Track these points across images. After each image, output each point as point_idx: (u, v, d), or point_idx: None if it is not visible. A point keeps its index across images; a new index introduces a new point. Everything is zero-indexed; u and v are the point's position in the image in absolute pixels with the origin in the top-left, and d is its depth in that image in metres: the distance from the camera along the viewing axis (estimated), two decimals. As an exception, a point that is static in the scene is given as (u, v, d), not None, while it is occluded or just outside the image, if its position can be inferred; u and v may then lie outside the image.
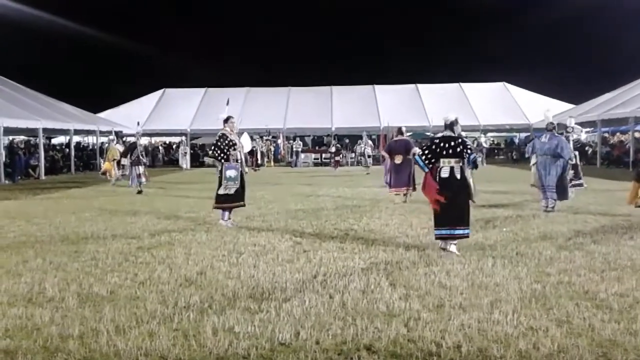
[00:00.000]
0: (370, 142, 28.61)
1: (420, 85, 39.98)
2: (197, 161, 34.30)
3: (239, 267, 6.18)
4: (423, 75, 41.08)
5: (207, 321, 4.33)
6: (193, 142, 37.82)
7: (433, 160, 6.85)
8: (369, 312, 4.56)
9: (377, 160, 35.14)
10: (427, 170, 6.91)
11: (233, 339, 3.95)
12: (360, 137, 31.35)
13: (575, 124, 12.80)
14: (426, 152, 6.93)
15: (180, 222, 9.76)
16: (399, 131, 13.47)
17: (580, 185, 11.62)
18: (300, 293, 5.13)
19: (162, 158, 37.87)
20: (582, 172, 11.91)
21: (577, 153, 11.48)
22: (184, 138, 35.53)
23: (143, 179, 16.33)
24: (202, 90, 40.53)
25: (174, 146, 39.74)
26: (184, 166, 32.72)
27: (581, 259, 6.41)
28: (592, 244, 7.34)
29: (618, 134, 34.93)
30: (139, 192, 15.80)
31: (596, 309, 4.58)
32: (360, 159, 26.13)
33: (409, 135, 39.07)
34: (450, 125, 7.01)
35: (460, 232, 6.78)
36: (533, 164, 11.02)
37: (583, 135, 17.30)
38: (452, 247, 6.78)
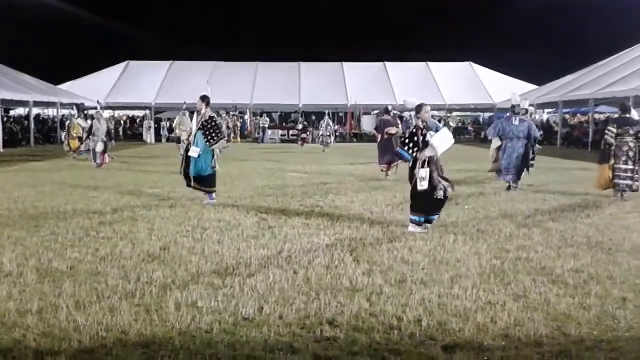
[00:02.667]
0: (329, 121, 28.50)
1: (388, 64, 39.99)
2: (161, 136, 33.68)
3: (203, 243, 6.15)
4: (391, 54, 40.96)
5: (170, 297, 4.31)
6: (157, 116, 37.11)
7: (416, 150, 6.82)
8: (332, 288, 4.61)
9: (344, 138, 35.31)
10: (410, 159, 6.88)
11: (196, 314, 3.95)
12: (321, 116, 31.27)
13: (530, 105, 13.02)
14: (408, 142, 6.90)
15: (143, 198, 9.63)
16: (386, 110, 13.63)
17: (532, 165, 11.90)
18: (264, 269, 5.15)
19: (125, 132, 37.05)
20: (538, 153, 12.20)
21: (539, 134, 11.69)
22: (148, 112, 34.85)
23: (104, 155, 15.87)
24: (168, 63, 39.69)
25: (138, 120, 38.92)
26: (148, 141, 32.14)
27: (539, 236, 6.60)
28: (550, 221, 7.56)
29: (579, 115, 35.77)
30: (99, 166, 15.48)
31: (552, 285, 4.73)
32: (321, 137, 25.93)
33: (376, 113, 39.22)
34: (417, 112, 7.06)
35: (434, 217, 6.96)
36: (497, 147, 11.02)
37: (537, 117, 17.66)
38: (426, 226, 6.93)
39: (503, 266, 5.29)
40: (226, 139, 9.25)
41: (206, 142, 8.79)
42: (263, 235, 6.63)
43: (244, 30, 63.28)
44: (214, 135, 8.82)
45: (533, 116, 12.40)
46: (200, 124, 8.89)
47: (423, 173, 6.72)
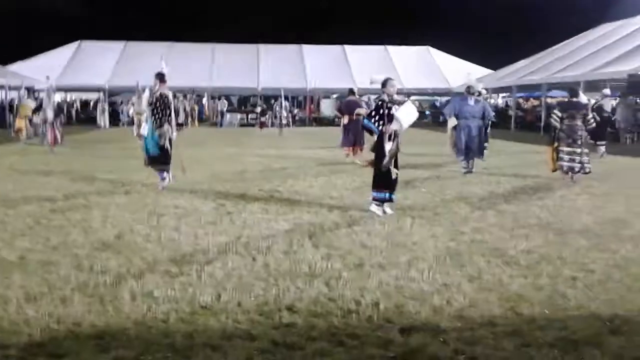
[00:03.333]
0: (286, 103, 28.32)
1: (347, 47, 39.93)
2: (116, 119, 32.79)
3: (159, 230, 6.04)
4: (350, 37, 40.90)
5: (124, 286, 4.22)
6: (112, 98, 36.08)
7: (382, 123, 6.85)
8: (291, 273, 4.61)
9: (303, 122, 35.23)
10: (377, 132, 6.91)
11: (152, 304, 3.88)
12: (285, 98, 31.06)
13: (483, 88, 13.30)
14: (375, 115, 6.94)
15: (97, 184, 9.38)
16: (350, 91, 13.55)
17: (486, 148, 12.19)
18: (222, 255, 5.10)
19: (78, 115, 35.89)
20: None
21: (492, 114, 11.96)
22: (101, 94, 33.81)
23: (55, 137, 15.39)
24: (122, 43, 38.54)
25: (91, 103, 37.72)
26: (102, 124, 31.25)
27: (493, 218, 6.76)
28: (504, 203, 7.75)
29: (532, 99, 36.65)
30: (51, 151, 15.02)
31: (505, 265, 4.85)
32: (274, 120, 25.78)
33: (336, 97, 39.22)
34: (382, 85, 7.07)
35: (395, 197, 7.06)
36: (453, 127, 11.21)
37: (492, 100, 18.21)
38: (388, 209, 6.96)
39: (458, 248, 5.40)
40: (176, 122, 8.98)
41: (153, 121, 8.62)
42: (221, 221, 6.56)
43: (200, 11, 61.91)
44: (161, 115, 8.63)
45: (487, 99, 12.77)
46: (150, 101, 8.71)
47: (389, 147, 6.83)
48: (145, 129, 8.65)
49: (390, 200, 6.99)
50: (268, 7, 59.45)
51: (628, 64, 20.22)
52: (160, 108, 8.61)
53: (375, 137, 6.98)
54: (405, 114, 6.90)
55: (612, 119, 19.38)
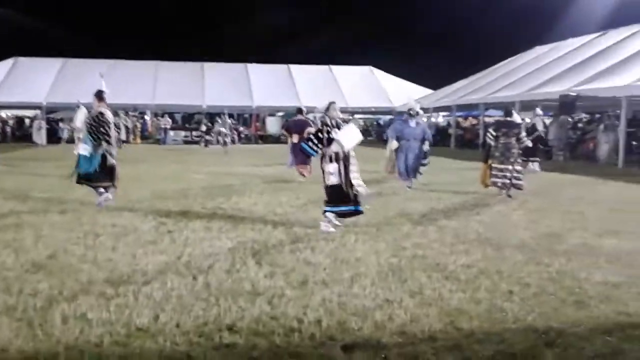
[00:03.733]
0: (229, 121, 28.14)
1: (292, 66, 40.18)
2: (54, 137, 31.64)
3: (96, 250, 5.81)
4: (294, 56, 41.22)
5: (56, 309, 4.02)
6: (50, 116, 34.79)
7: (320, 146, 6.93)
8: (233, 292, 4.52)
9: (248, 140, 35.06)
10: (314, 154, 7.00)
11: (85, 327, 3.71)
12: (230, 116, 30.81)
13: (421, 108, 13.75)
14: (313, 138, 7.02)
15: (31, 202, 8.96)
16: (299, 111, 13.58)
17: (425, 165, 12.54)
18: (162, 275, 4.95)
19: (13, 133, 34.38)
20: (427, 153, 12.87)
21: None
22: (39, 112, 32.54)
23: None
24: (60, 60, 37.33)
25: (27, 120, 36.23)
26: (39, 142, 30.05)
27: (434, 234, 6.88)
28: (444, 219, 7.92)
29: (470, 118, 37.88)
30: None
31: (445, 280, 4.93)
32: (219, 138, 25.48)
33: (281, 115, 39.29)
34: (326, 110, 7.15)
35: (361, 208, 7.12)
36: (394, 149, 11.40)
37: (424, 119, 18.84)
38: (337, 221, 7.03)
39: (400, 263, 5.46)
40: (116, 141, 8.75)
41: (92, 139, 8.39)
42: (161, 239, 6.39)
43: (143, 28, 60.94)
44: (98, 132, 8.42)
45: (427, 119, 13.28)
46: (89, 120, 8.47)
47: (331, 168, 6.88)
48: (82, 148, 8.38)
49: (357, 212, 7.03)
50: (213, 26, 59.20)
51: (560, 85, 21.26)
52: (97, 127, 8.38)
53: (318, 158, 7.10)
54: (347, 135, 7.00)
55: (545, 137, 20.28)
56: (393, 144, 11.32)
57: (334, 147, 6.86)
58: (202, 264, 5.35)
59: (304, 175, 12.74)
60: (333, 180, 6.86)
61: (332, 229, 6.88)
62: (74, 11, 58.73)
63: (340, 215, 7.04)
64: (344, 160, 6.95)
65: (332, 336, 3.68)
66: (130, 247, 6.00)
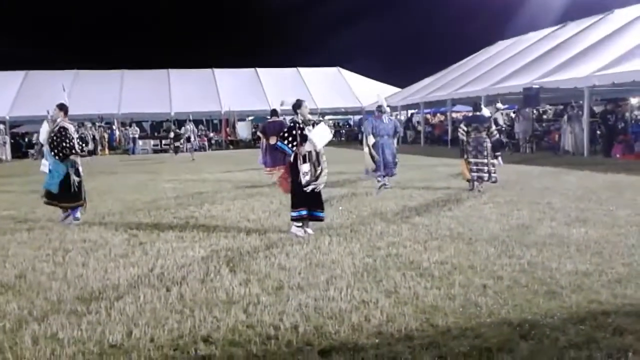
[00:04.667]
0: (194, 128, 27.93)
1: (259, 70, 40.05)
2: (19, 152, 30.95)
3: (66, 267, 5.69)
4: (261, 59, 41.24)
5: (25, 330, 3.92)
6: (13, 130, 33.97)
7: (295, 144, 6.86)
8: (207, 302, 4.48)
9: (219, 145, 34.80)
10: (291, 153, 6.88)
11: (56, 347, 3.62)
12: (199, 122, 30.58)
13: (388, 106, 13.94)
14: (287, 136, 6.90)
15: (-4, 221, 8.73)
16: (274, 112, 13.58)
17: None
18: (134, 289, 4.87)
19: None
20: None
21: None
22: (2, 126, 31.72)
23: None
24: (22, 73, 36.47)
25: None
26: (4, 157, 29.33)
27: (407, 232, 6.93)
28: (417, 216, 7.98)
29: (438, 114, 38.33)
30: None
31: (420, 278, 4.97)
32: (184, 145, 25.22)
33: (251, 119, 39.07)
34: (295, 108, 7.10)
35: (320, 214, 7.06)
36: (372, 145, 11.42)
37: (393, 117, 19.15)
38: (309, 229, 6.98)
39: (375, 263, 5.48)
40: (80, 152, 8.51)
41: (53, 155, 8.18)
42: (133, 252, 6.29)
43: (105, 37, 60.04)
44: (60, 148, 8.18)
45: (395, 115, 13.50)
46: (50, 134, 8.26)
47: (305, 168, 6.85)
48: (42, 165, 8.19)
49: (312, 217, 6.98)
50: (178, 33, 58.62)
51: (523, 78, 21.62)
52: (59, 142, 8.17)
53: (291, 158, 6.99)
54: (319, 134, 7.00)
55: (506, 130, 20.68)
56: (370, 139, 11.34)
57: (307, 146, 6.86)
58: (175, 275, 5.28)
59: (274, 178, 12.75)
60: (307, 178, 6.83)
61: (300, 233, 6.86)
62: (34, 23, 57.54)
63: (297, 219, 6.96)
64: (316, 159, 6.94)
65: (309, 341, 3.66)
66: (101, 261, 5.89)
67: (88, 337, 3.79)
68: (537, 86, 19.85)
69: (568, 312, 4.07)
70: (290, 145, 6.87)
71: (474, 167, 10.43)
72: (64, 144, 8.19)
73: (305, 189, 6.84)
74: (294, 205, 6.97)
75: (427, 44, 51.81)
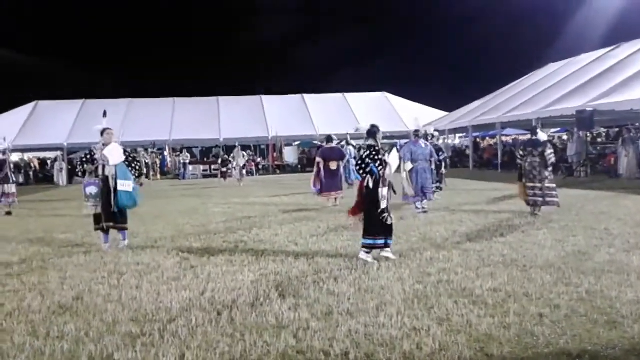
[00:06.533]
0: (243, 153, 28.41)
1: (306, 96, 40.57)
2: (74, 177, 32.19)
3: (120, 289, 5.83)
4: (308, 86, 41.92)
5: (83, 351, 4.03)
6: (71, 157, 35.45)
7: (381, 167, 6.86)
8: (257, 326, 4.49)
9: (266, 170, 35.24)
10: (379, 177, 6.84)
11: (112, 368, 3.71)
12: (247, 147, 31.09)
13: (435, 130, 13.97)
14: (376, 159, 6.88)
15: (54, 244, 9.06)
16: (329, 139, 14.01)
17: (439, 188, 12.72)
18: (186, 312, 4.94)
19: (36, 175, 35.03)
20: (443, 175, 13.10)
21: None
22: (60, 153, 33.22)
23: (13, 199, 14.97)
24: (79, 102, 38.18)
25: (49, 162, 36.97)
26: (60, 183, 30.61)
27: (458, 258, 6.79)
28: (468, 242, 7.82)
29: (487, 138, 37.73)
30: (8, 213, 14.49)
31: (473, 305, 4.84)
32: (233, 171, 25.60)
33: (297, 144, 39.51)
34: (372, 134, 7.11)
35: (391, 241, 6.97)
36: (409, 170, 11.36)
37: (441, 141, 19.08)
38: (390, 254, 6.88)
39: (425, 290, 5.38)
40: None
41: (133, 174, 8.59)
42: (184, 275, 6.39)
43: (158, 67, 62.32)
44: (138, 167, 8.87)
45: (442, 140, 13.48)
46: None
47: (384, 192, 6.83)
48: (126, 185, 8.46)
49: (387, 245, 6.90)
50: (225, 61, 60.27)
51: (576, 100, 21.10)
52: (132, 161, 8.68)
53: (367, 184, 6.92)
54: (394, 160, 7.09)
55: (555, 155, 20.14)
56: (408, 165, 11.30)
57: (387, 171, 6.89)
58: (225, 298, 5.34)
59: (333, 203, 12.92)
60: (383, 205, 6.80)
61: (370, 259, 6.76)
62: (93, 54, 60.28)
63: (369, 247, 6.85)
64: (389, 185, 6.96)
65: (360, 368, 3.62)
66: (154, 284, 6.02)
67: (142, 358, 3.86)
68: (590, 109, 19.32)
69: (630, 343, 3.89)
70: (380, 169, 6.88)
71: (530, 192, 10.33)
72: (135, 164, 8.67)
73: (382, 217, 6.78)
74: (369, 233, 6.85)
75: (475, 69, 51.40)
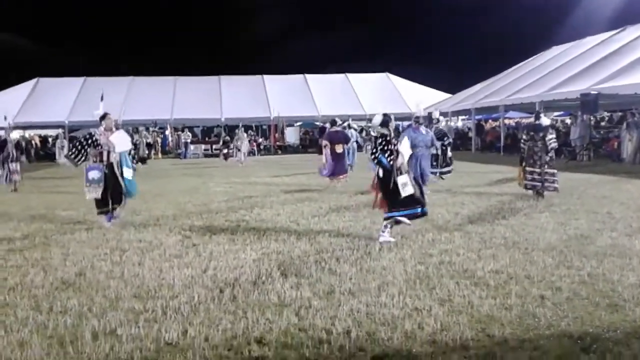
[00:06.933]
0: (245, 135, 28.28)
1: (308, 76, 40.29)
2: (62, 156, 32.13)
3: (123, 266, 5.86)
4: (311, 66, 41.60)
5: (86, 326, 4.05)
6: (72, 134, 35.35)
7: (391, 157, 6.80)
8: (260, 304, 4.51)
9: (268, 151, 35.20)
10: (389, 167, 6.79)
11: (115, 343, 3.73)
12: (249, 127, 30.97)
13: (440, 114, 13.87)
14: (386, 150, 6.82)
15: (56, 221, 9.08)
16: (334, 122, 14.02)
17: (449, 171, 12.72)
18: (188, 289, 4.96)
19: (37, 152, 34.99)
20: (452, 158, 12.99)
21: (439, 143, 12.27)
22: (61, 130, 33.12)
23: (17, 177, 14.96)
24: (81, 79, 37.97)
25: (50, 139, 36.91)
26: (61, 161, 30.55)
27: (460, 239, 6.80)
28: (470, 224, 7.82)
29: (490, 121, 37.55)
30: (14, 190, 14.50)
31: (474, 287, 4.85)
32: (236, 152, 25.51)
33: (299, 125, 39.35)
34: (385, 124, 7.02)
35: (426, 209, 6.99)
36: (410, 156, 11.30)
37: (443, 123, 18.97)
38: (406, 220, 6.87)
39: (427, 271, 5.39)
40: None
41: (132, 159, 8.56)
42: (187, 253, 6.41)
43: (160, 45, 61.90)
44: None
45: (447, 123, 13.41)
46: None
47: (403, 179, 6.76)
48: (129, 173, 8.47)
49: (424, 214, 6.90)
50: (228, 40, 59.81)
51: (580, 83, 20.94)
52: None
53: (378, 173, 6.92)
54: (405, 149, 7.03)
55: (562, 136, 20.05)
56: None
57: (399, 159, 6.82)
58: (228, 276, 5.35)
59: (337, 184, 12.92)
60: (409, 190, 6.75)
61: (391, 239, 6.76)
62: (93, 33, 59.85)
63: (411, 217, 6.85)
64: (407, 170, 6.92)
65: (361, 347, 3.63)
66: (156, 261, 6.04)
67: (145, 334, 3.88)
68: (595, 92, 19.19)
69: (632, 325, 3.90)
70: (389, 159, 6.83)
71: (529, 176, 10.32)
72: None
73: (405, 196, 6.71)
74: (394, 206, 6.77)
75: (477, 51, 51.01)
